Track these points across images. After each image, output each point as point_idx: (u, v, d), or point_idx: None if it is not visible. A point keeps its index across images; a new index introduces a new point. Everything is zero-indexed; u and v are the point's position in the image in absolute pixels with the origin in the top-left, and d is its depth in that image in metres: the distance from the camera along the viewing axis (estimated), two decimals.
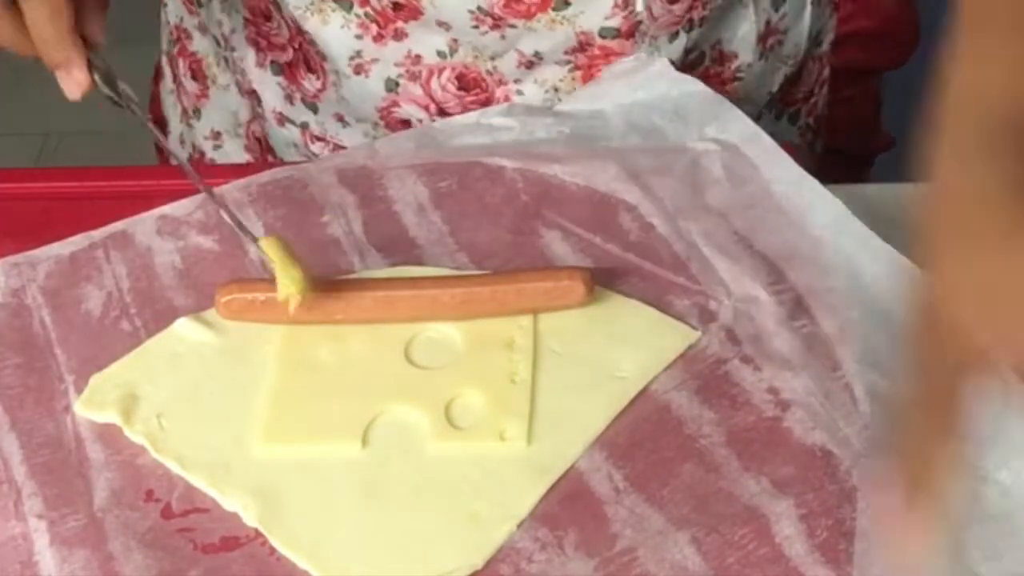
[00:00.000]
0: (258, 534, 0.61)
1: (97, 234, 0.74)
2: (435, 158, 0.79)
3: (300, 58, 0.91)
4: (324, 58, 0.89)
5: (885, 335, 0.69)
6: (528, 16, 0.83)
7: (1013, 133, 0.40)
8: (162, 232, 0.74)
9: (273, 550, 0.60)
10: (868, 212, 0.76)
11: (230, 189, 0.76)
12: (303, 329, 0.68)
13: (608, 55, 0.86)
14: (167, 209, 0.75)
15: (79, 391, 0.66)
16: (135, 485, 0.62)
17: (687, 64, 0.88)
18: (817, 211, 0.74)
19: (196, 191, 0.74)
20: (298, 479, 0.63)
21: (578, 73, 0.87)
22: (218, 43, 0.99)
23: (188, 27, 1.01)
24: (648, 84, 0.83)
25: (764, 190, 0.76)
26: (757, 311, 0.70)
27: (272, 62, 0.93)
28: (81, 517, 0.61)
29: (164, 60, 1.07)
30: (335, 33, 0.87)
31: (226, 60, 0.99)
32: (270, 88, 0.94)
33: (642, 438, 0.65)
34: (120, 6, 0.78)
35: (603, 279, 0.71)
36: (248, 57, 0.94)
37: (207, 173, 0.77)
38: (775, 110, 0.99)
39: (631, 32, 0.85)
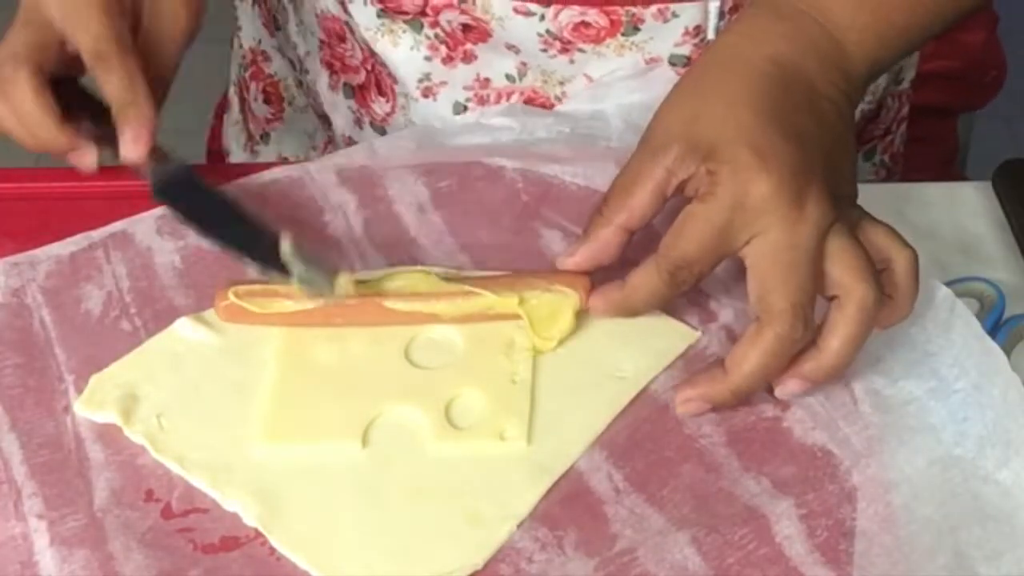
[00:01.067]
0: (258, 534, 0.61)
1: (97, 234, 0.74)
2: (435, 158, 0.79)
3: (372, 80, 0.90)
4: (395, 80, 0.88)
5: (884, 335, 0.69)
6: (597, 41, 0.83)
7: None
8: (162, 232, 0.74)
9: (273, 550, 0.60)
10: (868, 211, 0.76)
11: (230, 189, 0.76)
12: (303, 329, 0.68)
13: None
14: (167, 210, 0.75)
15: (79, 391, 0.66)
16: (135, 485, 0.62)
17: None
18: None
19: None
20: (298, 479, 0.63)
21: (592, 84, 0.86)
22: (293, 66, 0.99)
23: (267, 48, 1.01)
24: (648, 85, 0.83)
25: None
26: None
27: (345, 84, 0.93)
28: (81, 517, 0.61)
29: (232, 90, 1.07)
30: (405, 55, 0.86)
31: (300, 83, 0.99)
32: (341, 112, 0.94)
33: (642, 438, 0.65)
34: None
35: (603, 277, 0.71)
36: (321, 79, 0.94)
37: (205, 173, 0.76)
38: None
39: None
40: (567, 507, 0.62)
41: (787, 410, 0.66)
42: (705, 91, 0.67)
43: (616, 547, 0.60)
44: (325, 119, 0.96)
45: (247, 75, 1.03)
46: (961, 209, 0.81)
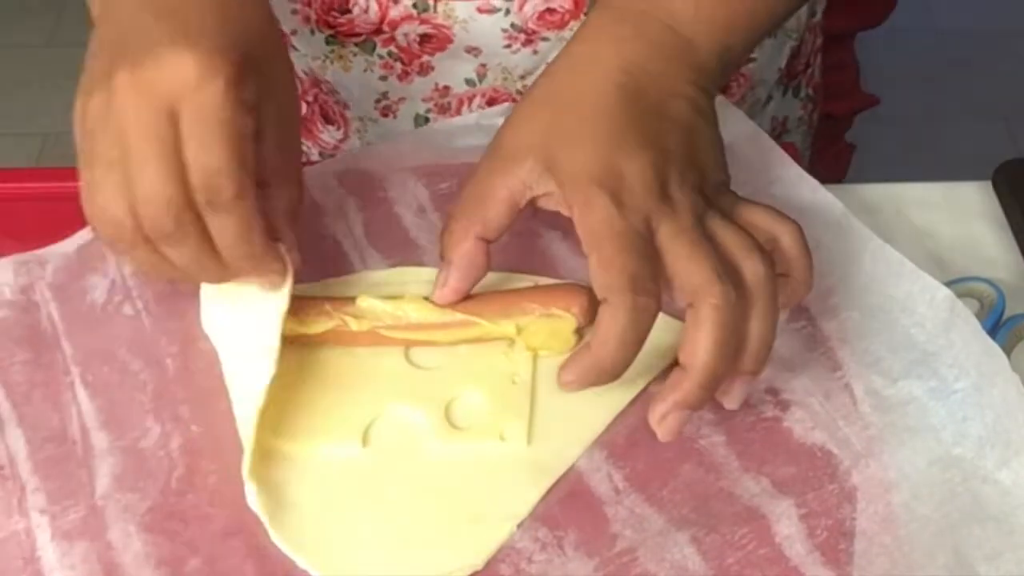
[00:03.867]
0: (258, 523, 0.61)
1: None
2: (435, 160, 0.79)
3: (315, 111, 0.90)
4: (345, 106, 0.88)
5: (884, 335, 0.69)
6: (561, 26, 0.83)
7: None
8: None
9: (272, 540, 0.60)
10: (868, 212, 0.77)
11: None
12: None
13: None
14: None
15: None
16: (136, 467, 0.63)
17: None
18: (816, 211, 0.74)
19: None
20: (298, 479, 0.63)
21: None
22: None
23: None
24: None
25: (763, 191, 0.76)
26: None
27: None
28: (81, 508, 0.61)
29: None
30: (358, 77, 0.86)
31: None
32: None
33: (642, 438, 0.65)
34: None
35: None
36: None
37: None
38: (782, 87, 0.99)
39: None
40: (567, 507, 0.62)
41: (787, 410, 0.66)
42: (558, 102, 0.66)
43: (616, 547, 0.60)
44: None
45: None
46: (961, 209, 0.81)
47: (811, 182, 0.76)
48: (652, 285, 0.60)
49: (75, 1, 0.94)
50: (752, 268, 0.61)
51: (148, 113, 0.58)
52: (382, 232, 0.75)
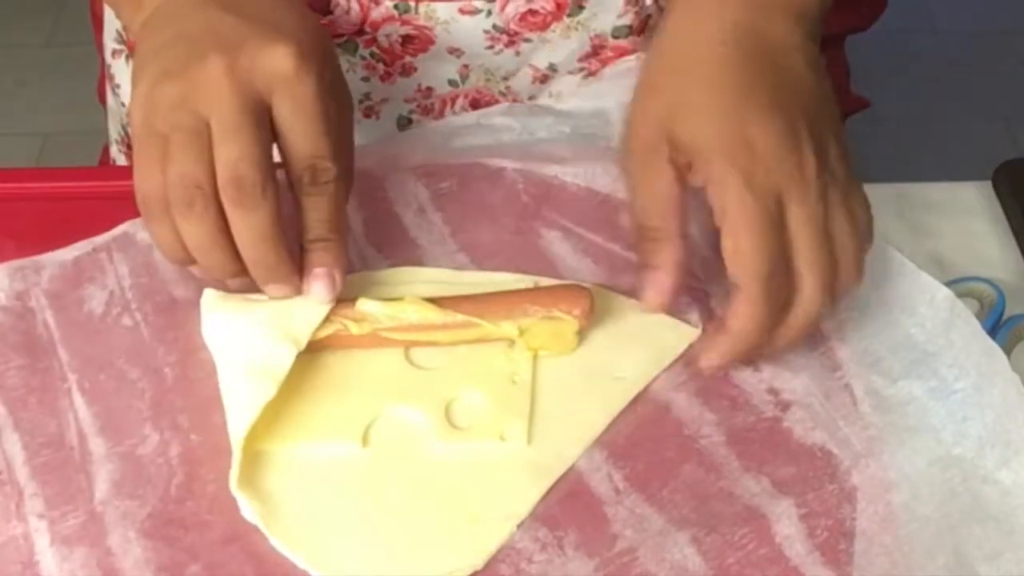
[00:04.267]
0: (257, 529, 0.61)
1: (100, 239, 0.74)
2: (435, 159, 0.79)
3: None
4: None
5: (884, 335, 0.69)
6: (543, 27, 0.83)
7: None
8: None
9: (272, 546, 0.60)
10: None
11: None
12: None
13: (621, 55, 0.86)
14: None
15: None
16: (135, 475, 0.63)
17: None
18: None
19: None
20: (298, 479, 0.63)
21: (591, 79, 0.87)
22: None
23: None
24: None
25: None
26: None
27: None
28: (80, 514, 0.61)
29: (117, 148, 1.02)
30: None
31: None
32: None
33: (642, 438, 0.65)
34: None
35: (604, 278, 0.71)
36: None
37: None
38: None
39: (642, 28, 0.85)
40: (567, 507, 0.62)
41: (787, 410, 0.66)
42: (675, 80, 0.67)
43: (616, 547, 0.60)
44: None
45: None
46: (961, 209, 0.81)
47: None
48: (783, 274, 0.63)
49: (75, 1, 0.94)
50: (846, 277, 0.65)
51: (243, 94, 0.63)
52: (382, 232, 0.75)
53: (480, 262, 0.73)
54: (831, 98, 0.68)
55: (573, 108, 0.84)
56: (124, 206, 0.75)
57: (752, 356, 0.66)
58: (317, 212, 0.65)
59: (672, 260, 0.66)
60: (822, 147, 0.64)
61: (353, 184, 0.70)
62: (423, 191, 0.77)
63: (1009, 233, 0.79)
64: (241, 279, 0.66)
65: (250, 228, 0.63)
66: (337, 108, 0.67)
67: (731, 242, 0.63)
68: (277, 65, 0.64)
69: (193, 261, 0.65)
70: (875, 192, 0.80)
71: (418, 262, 0.73)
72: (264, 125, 0.64)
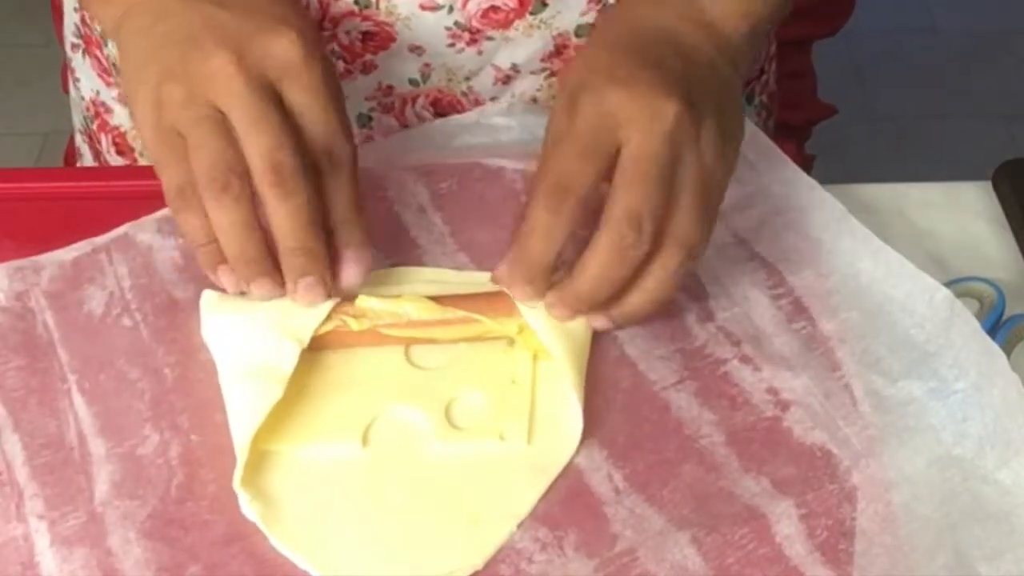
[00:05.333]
0: (257, 530, 0.61)
1: (100, 240, 0.74)
2: (435, 159, 0.79)
3: None
4: None
5: (884, 335, 0.69)
6: (506, 25, 0.83)
7: None
8: (163, 231, 0.74)
9: (274, 546, 0.60)
10: (868, 212, 0.77)
11: None
12: None
13: None
14: (169, 211, 0.75)
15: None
16: (135, 475, 0.63)
17: None
18: (816, 212, 0.74)
19: None
20: (298, 479, 0.63)
21: (555, 80, 0.86)
22: None
23: (106, 100, 0.95)
24: None
25: (763, 191, 0.76)
26: (756, 312, 0.70)
27: None
28: (81, 515, 0.61)
29: (80, 138, 1.01)
30: None
31: None
32: None
33: (642, 438, 0.65)
34: None
35: None
36: None
37: None
38: None
39: None
40: (567, 507, 0.62)
41: (787, 410, 0.66)
42: (605, 44, 0.70)
43: (616, 547, 0.60)
44: None
45: (94, 127, 0.98)
46: (961, 209, 0.80)
47: (809, 182, 0.76)
48: (651, 233, 0.63)
49: (75, 1, 0.94)
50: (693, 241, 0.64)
51: (256, 87, 0.63)
52: (382, 231, 0.75)
53: (480, 262, 0.73)
54: (739, 104, 0.70)
55: None
56: (124, 206, 0.75)
57: (605, 313, 0.66)
58: (339, 193, 0.66)
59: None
60: (721, 131, 0.65)
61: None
62: (423, 191, 0.77)
63: (1009, 233, 0.79)
64: (264, 281, 0.65)
65: (292, 214, 0.63)
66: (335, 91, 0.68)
67: (619, 191, 0.63)
68: (284, 54, 0.64)
69: (222, 258, 0.65)
70: (875, 192, 0.80)
71: (418, 262, 0.73)
72: (283, 113, 0.64)
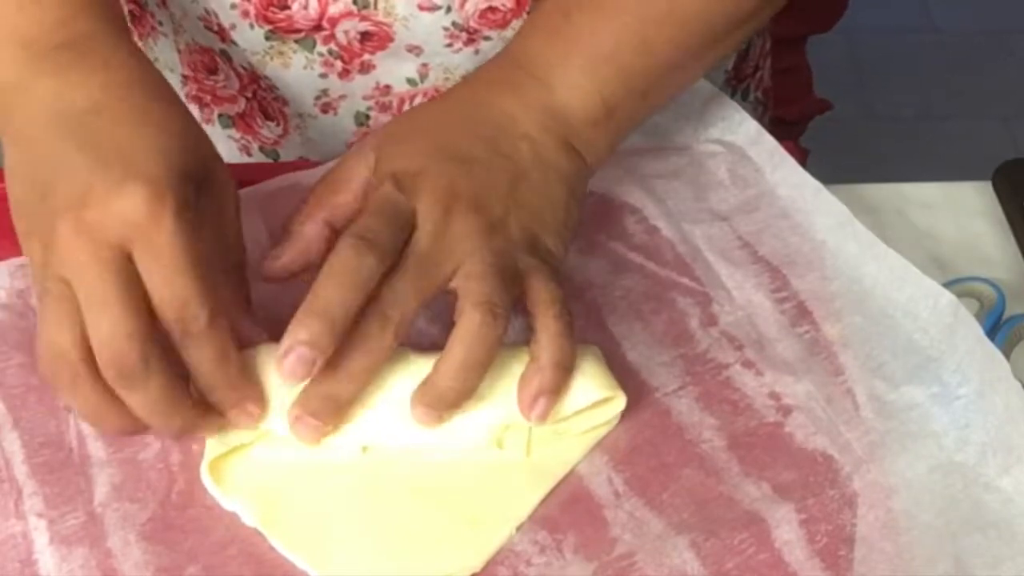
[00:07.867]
0: (257, 532, 0.61)
1: None
2: None
3: (255, 107, 0.89)
4: (284, 103, 0.87)
5: (887, 340, 0.68)
6: (503, 25, 0.82)
7: None
8: None
9: (272, 547, 0.60)
10: (868, 212, 0.76)
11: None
12: None
13: None
14: None
15: None
16: (135, 479, 0.62)
17: None
18: (820, 215, 0.74)
19: None
20: (298, 479, 0.63)
21: None
22: None
23: None
24: None
25: (768, 194, 0.76)
26: (759, 316, 0.70)
27: (220, 115, 0.91)
28: (80, 515, 0.61)
29: None
30: (297, 74, 0.85)
31: None
32: (221, 142, 0.91)
33: (642, 442, 0.64)
34: None
35: (605, 276, 0.71)
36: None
37: None
38: (730, 89, 0.98)
39: None
40: (567, 511, 0.62)
41: (788, 415, 0.66)
42: (414, 112, 0.72)
43: (615, 551, 0.60)
44: None
45: None
46: (961, 209, 0.80)
47: (814, 184, 0.75)
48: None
49: None
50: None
51: (100, 257, 0.57)
52: None
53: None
54: (552, 208, 0.68)
55: None
56: None
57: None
58: (200, 366, 0.60)
59: (308, 238, 0.65)
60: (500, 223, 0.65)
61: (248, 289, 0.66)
62: None
63: (1009, 233, 0.79)
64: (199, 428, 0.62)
65: (141, 405, 0.59)
66: (216, 209, 0.62)
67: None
68: (127, 213, 0.57)
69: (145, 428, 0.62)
70: (875, 192, 0.80)
71: None
72: (132, 282, 0.58)
